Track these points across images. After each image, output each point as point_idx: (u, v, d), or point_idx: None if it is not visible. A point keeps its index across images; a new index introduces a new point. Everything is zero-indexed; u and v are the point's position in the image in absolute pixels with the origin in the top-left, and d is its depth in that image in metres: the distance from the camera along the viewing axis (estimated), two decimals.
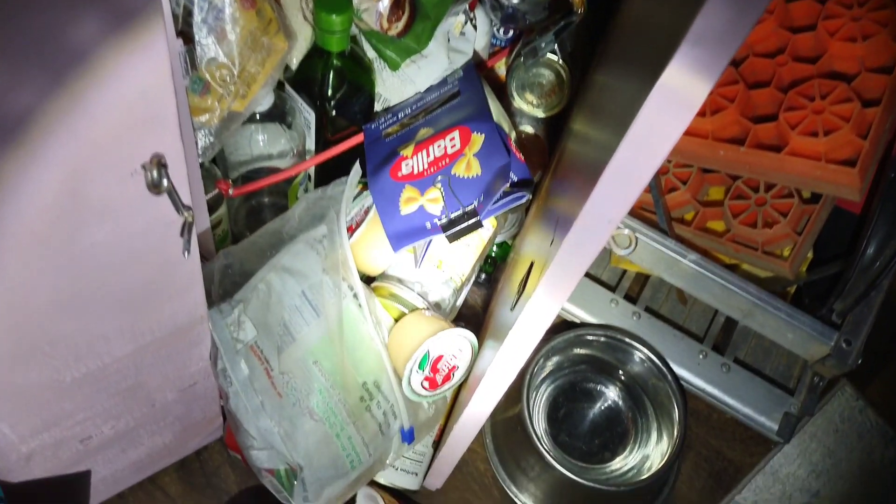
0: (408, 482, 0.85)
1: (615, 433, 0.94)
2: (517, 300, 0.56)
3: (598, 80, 0.70)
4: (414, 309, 0.80)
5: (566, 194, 0.53)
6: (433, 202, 0.76)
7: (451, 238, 0.75)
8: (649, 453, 0.91)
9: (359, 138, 0.85)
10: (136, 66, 0.39)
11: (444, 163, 0.77)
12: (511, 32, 0.95)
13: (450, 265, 0.82)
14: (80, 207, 0.44)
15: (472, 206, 0.74)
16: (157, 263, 0.52)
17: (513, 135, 0.85)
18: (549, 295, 0.46)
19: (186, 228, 0.48)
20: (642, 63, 0.42)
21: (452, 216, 0.75)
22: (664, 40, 0.35)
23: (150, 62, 0.39)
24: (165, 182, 0.43)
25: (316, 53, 0.79)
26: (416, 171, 0.78)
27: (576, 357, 0.96)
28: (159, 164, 0.43)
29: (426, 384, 0.76)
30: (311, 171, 0.92)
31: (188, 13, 0.67)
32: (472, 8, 0.88)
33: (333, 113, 0.82)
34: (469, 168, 0.76)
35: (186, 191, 0.47)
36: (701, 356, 0.97)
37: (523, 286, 0.55)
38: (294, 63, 0.80)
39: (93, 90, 0.38)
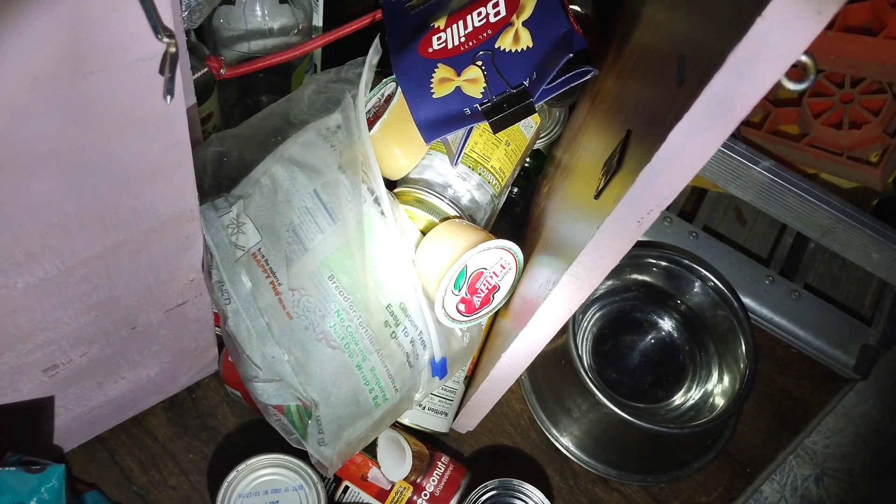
0: (436, 424, 0.73)
1: (669, 369, 0.82)
2: (606, 182, 0.43)
3: None
4: (445, 218, 0.66)
5: (690, 31, 0.39)
6: (473, 83, 0.62)
7: (497, 127, 0.61)
8: (711, 391, 0.79)
9: (376, 14, 0.70)
10: None
11: (485, 34, 0.63)
12: None
13: (487, 167, 0.68)
14: (12, 23, 0.29)
15: (522, 87, 0.60)
16: (129, 120, 0.38)
17: None
18: (685, 150, 0.32)
19: (168, 62, 0.34)
20: None
21: (497, 99, 0.61)
22: None
23: None
24: None
25: None
26: (450, 46, 0.63)
27: (626, 283, 0.83)
28: None
29: (462, 307, 0.63)
30: (318, 58, 0.78)
31: None
32: None
33: None
34: (517, 40, 0.62)
35: (167, 6, 0.33)
36: (767, 282, 0.84)
37: (618, 161, 0.42)
38: None
39: None
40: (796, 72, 0.31)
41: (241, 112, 0.80)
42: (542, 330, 0.55)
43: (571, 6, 0.77)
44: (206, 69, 0.62)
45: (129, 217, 0.45)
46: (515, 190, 0.87)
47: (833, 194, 0.77)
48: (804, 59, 0.30)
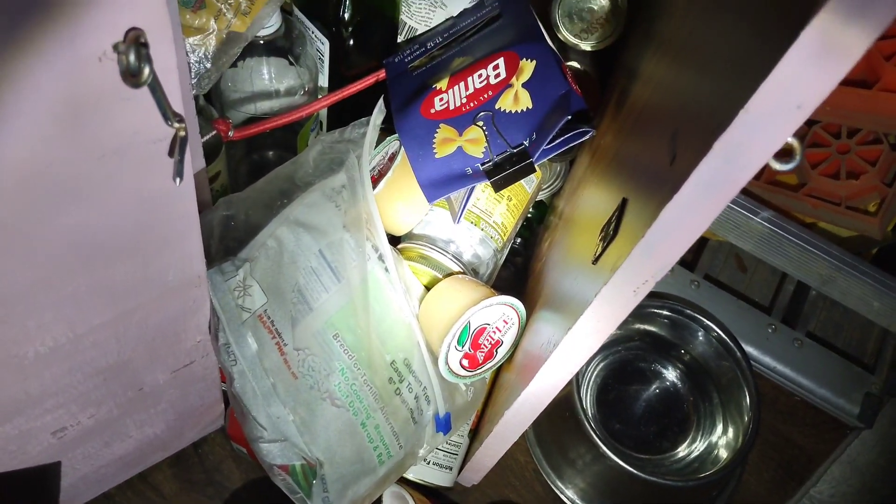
0: (441, 478, 0.73)
1: (674, 420, 0.82)
2: (604, 248, 0.44)
3: (670, 8, 0.58)
4: (449, 273, 0.67)
5: (682, 106, 0.40)
6: (474, 143, 0.63)
7: (498, 186, 0.62)
8: (715, 443, 0.79)
9: (380, 74, 0.72)
10: None
11: (486, 96, 0.64)
12: None
13: (489, 222, 0.69)
14: (21, 109, 0.31)
15: (523, 147, 0.62)
16: (139, 198, 0.39)
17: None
18: (676, 228, 0.33)
19: (178, 145, 0.36)
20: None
21: (498, 159, 0.62)
22: None
23: None
24: (147, 69, 0.30)
25: None
26: (452, 107, 0.65)
27: (629, 332, 0.83)
28: (137, 41, 0.30)
29: (465, 362, 0.64)
30: (324, 117, 0.79)
31: None
32: None
33: (350, 42, 0.69)
34: (517, 101, 0.63)
35: (176, 89, 0.35)
36: (769, 330, 0.85)
37: (614, 229, 0.43)
38: None
39: None
40: (783, 152, 0.32)
41: (247, 167, 0.82)
42: (544, 389, 0.56)
43: (570, 62, 0.79)
44: (214, 132, 0.63)
45: (139, 285, 0.46)
46: (518, 240, 0.88)
47: (832, 244, 0.78)
48: (790, 140, 0.31)
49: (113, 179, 0.37)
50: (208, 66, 0.59)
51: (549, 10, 0.77)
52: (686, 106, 0.39)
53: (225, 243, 0.60)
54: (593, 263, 0.45)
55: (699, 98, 0.35)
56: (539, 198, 0.87)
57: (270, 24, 0.64)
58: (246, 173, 0.82)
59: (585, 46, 0.77)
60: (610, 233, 0.43)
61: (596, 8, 0.75)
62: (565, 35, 0.76)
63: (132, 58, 0.30)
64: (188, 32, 0.58)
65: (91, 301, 0.44)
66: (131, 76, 0.30)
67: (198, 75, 0.59)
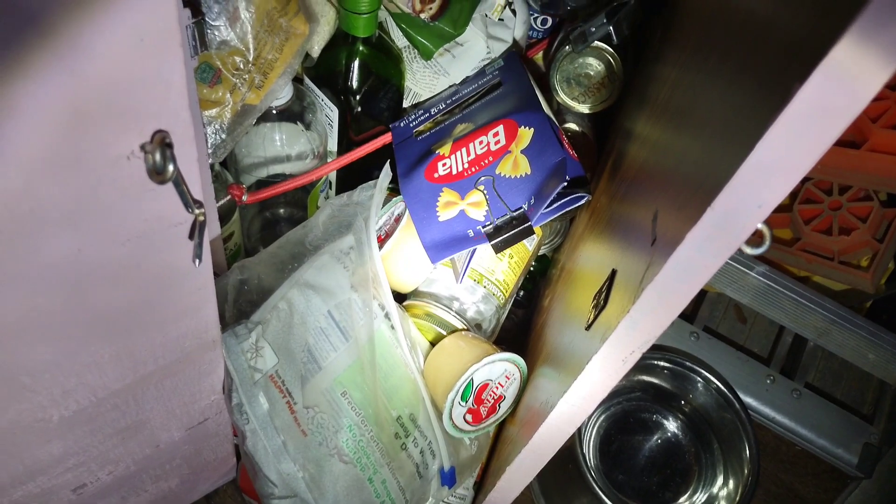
0: None
1: (676, 470, 0.83)
2: (595, 316, 0.46)
3: (665, 73, 0.61)
4: (453, 330, 0.70)
5: (661, 189, 0.43)
6: (476, 206, 0.66)
7: (498, 248, 0.65)
8: (716, 494, 0.81)
9: (386, 138, 0.75)
10: (131, 6, 0.29)
11: (486, 161, 0.67)
12: (549, 23, 0.86)
13: (492, 280, 0.72)
14: (57, 202, 0.34)
15: (521, 211, 0.65)
16: (160, 275, 0.42)
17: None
18: (657, 307, 0.36)
19: (197, 229, 0.39)
20: (755, 57, 0.33)
21: (498, 222, 0.65)
22: (806, 28, 0.27)
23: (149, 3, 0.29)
24: (171, 167, 0.33)
25: (339, 40, 0.70)
26: (454, 172, 0.68)
27: (630, 383, 0.85)
28: (163, 143, 0.33)
29: (469, 417, 0.66)
30: (333, 177, 0.83)
31: None
32: None
33: (358, 109, 0.73)
34: (516, 167, 0.66)
35: (197, 180, 0.38)
36: (768, 381, 0.86)
37: (604, 299, 0.45)
38: (315, 51, 0.71)
39: (75, 33, 0.28)
40: (754, 238, 0.34)
41: (260, 223, 0.85)
42: (546, 444, 0.57)
43: (569, 124, 0.82)
44: (228, 197, 0.67)
45: (157, 352, 0.49)
46: (522, 293, 0.91)
47: (827, 297, 0.80)
48: (760, 226, 0.34)
49: (137, 260, 0.40)
50: (224, 136, 0.63)
51: (548, 74, 0.80)
52: (665, 190, 0.41)
53: (238, 306, 0.63)
54: (586, 329, 0.48)
55: (675, 185, 0.38)
56: (541, 252, 0.90)
57: (282, 95, 0.68)
58: (259, 230, 0.85)
59: (583, 109, 0.80)
60: (601, 302, 0.46)
61: (592, 73, 0.79)
62: (563, 98, 0.80)
63: (158, 157, 0.33)
64: (205, 106, 0.62)
65: (112, 368, 0.47)
66: (157, 174, 0.33)
67: (214, 146, 0.62)
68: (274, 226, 0.86)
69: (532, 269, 0.90)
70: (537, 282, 0.91)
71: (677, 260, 0.33)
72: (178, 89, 0.32)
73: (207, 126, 0.62)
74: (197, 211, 0.38)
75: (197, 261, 0.39)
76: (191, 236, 0.39)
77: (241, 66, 0.62)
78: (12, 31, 0.27)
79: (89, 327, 0.41)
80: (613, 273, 0.46)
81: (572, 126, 0.82)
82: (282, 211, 0.86)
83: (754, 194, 0.29)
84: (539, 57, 0.87)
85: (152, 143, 0.33)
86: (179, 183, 0.35)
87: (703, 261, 0.32)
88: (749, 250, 0.35)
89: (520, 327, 0.89)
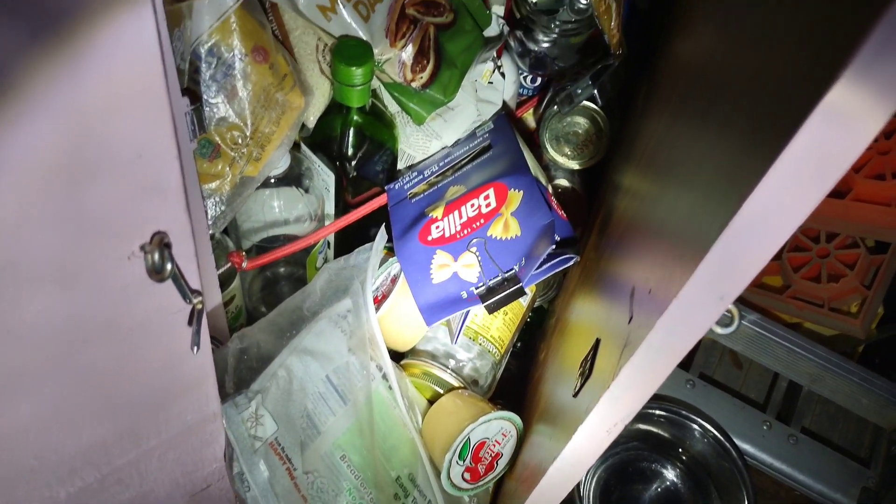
0: None
1: None
2: (581, 385, 0.48)
3: (650, 129, 0.63)
4: (449, 389, 0.71)
5: (638, 261, 0.45)
6: (468, 267, 0.68)
7: (491, 308, 0.67)
8: None
9: (382, 200, 0.77)
10: (130, 124, 0.31)
11: (478, 224, 0.69)
12: (539, 81, 0.88)
13: (487, 336, 0.73)
14: (64, 297, 0.36)
15: (513, 272, 0.66)
16: (161, 359, 0.44)
17: (549, 188, 0.77)
18: (635, 385, 0.37)
19: (195, 317, 0.41)
20: (738, 110, 0.35)
21: (491, 283, 0.67)
22: (793, 79, 0.28)
23: (147, 120, 0.32)
24: (169, 266, 0.35)
25: (334, 109, 0.73)
26: (447, 234, 0.70)
27: (628, 432, 0.86)
28: (162, 244, 0.35)
29: (467, 475, 0.67)
30: (331, 237, 0.85)
31: (195, 69, 0.61)
32: (498, 55, 0.81)
33: (354, 174, 0.75)
34: (507, 229, 0.68)
35: (195, 272, 0.40)
36: (765, 427, 0.87)
37: (589, 368, 0.47)
38: (311, 122, 0.73)
39: (79, 147, 0.31)
40: (723, 317, 0.36)
41: (261, 283, 0.87)
42: (544, 502, 0.59)
43: (559, 180, 0.85)
44: (228, 265, 0.69)
45: (160, 427, 0.50)
46: (518, 344, 0.92)
47: (818, 344, 0.82)
48: (730, 306, 0.36)
49: (138, 347, 0.42)
50: (223, 208, 0.65)
51: (538, 132, 0.83)
52: (642, 260, 0.43)
53: (239, 374, 0.64)
54: (574, 396, 0.49)
55: (653, 255, 0.40)
56: (537, 304, 0.92)
57: (280, 165, 0.70)
58: (259, 289, 0.87)
59: (573, 165, 0.82)
60: (586, 371, 0.48)
61: (580, 131, 0.81)
62: (553, 156, 0.82)
63: (157, 258, 0.35)
64: (204, 179, 0.64)
65: (116, 445, 0.48)
66: (156, 273, 0.35)
67: (213, 217, 0.64)
68: (274, 284, 0.88)
69: (529, 319, 0.92)
70: (534, 333, 0.92)
71: (651, 341, 0.34)
72: (175, 193, 0.35)
73: (207, 199, 0.65)
74: (195, 300, 0.40)
75: (195, 348, 0.41)
76: (190, 322, 0.41)
77: (240, 141, 0.64)
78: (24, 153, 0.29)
79: (94, 410, 0.43)
80: (597, 342, 0.48)
81: (562, 182, 0.85)
82: (282, 270, 0.88)
83: (715, 288, 0.31)
84: (529, 114, 0.90)
85: (151, 243, 0.35)
86: (178, 278, 0.37)
87: (673, 342, 0.34)
88: (720, 330, 0.36)
89: (517, 378, 0.90)
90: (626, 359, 0.37)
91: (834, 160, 0.27)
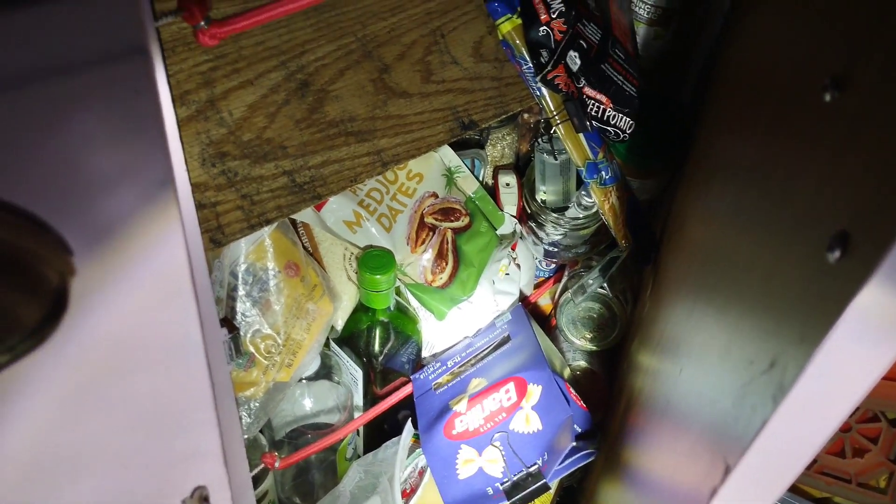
0: None
1: None
2: None
3: (669, 313, 0.66)
4: None
5: (666, 456, 0.47)
6: (493, 462, 0.70)
7: None
8: None
9: (408, 389, 0.81)
10: (163, 380, 0.36)
11: (500, 417, 0.72)
12: (554, 264, 0.93)
13: None
14: None
15: (536, 467, 0.68)
16: None
17: (566, 372, 0.80)
18: None
19: None
20: (764, 292, 0.38)
21: (515, 478, 0.69)
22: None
23: (182, 377, 0.36)
24: None
25: (360, 308, 0.77)
26: (471, 429, 0.73)
27: None
28: (202, 498, 0.38)
29: None
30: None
31: (233, 288, 0.66)
32: (513, 248, 0.87)
33: (381, 367, 0.79)
34: (528, 422, 0.71)
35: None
36: None
37: None
38: (339, 325, 0.78)
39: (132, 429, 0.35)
40: None
41: (293, 473, 0.89)
42: None
43: (578, 362, 0.87)
44: (262, 465, 0.72)
45: None
46: None
47: None
48: None
49: None
50: (257, 413, 0.69)
51: (555, 316, 0.87)
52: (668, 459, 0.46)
53: None
54: None
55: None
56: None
57: (310, 368, 0.75)
58: (291, 478, 0.89)
59: (590, 347, 0.85)
60: None
61: (596, 315, 0.85)
62: (571, 339, 0.86)
63: None
64: (240, 388, 0.68)
65: None
66: None
67: (248, 424, 0.68)
68: (306, 472, 0.90)
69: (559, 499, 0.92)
70: None
71: None
72: (214, 455, 0.38)
73: (242, 406, 0.68)
74: None
75: None
76: None
77: (273, 350, 0.69)
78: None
79: None
80: None
81: (581, 363, 0.88)
82: (313, 458, 0.91)
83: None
84: (546, 294, 0.94)
85: (192, 498, 0.39)
86: None
87: None
88: None
89: None
90: None
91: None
